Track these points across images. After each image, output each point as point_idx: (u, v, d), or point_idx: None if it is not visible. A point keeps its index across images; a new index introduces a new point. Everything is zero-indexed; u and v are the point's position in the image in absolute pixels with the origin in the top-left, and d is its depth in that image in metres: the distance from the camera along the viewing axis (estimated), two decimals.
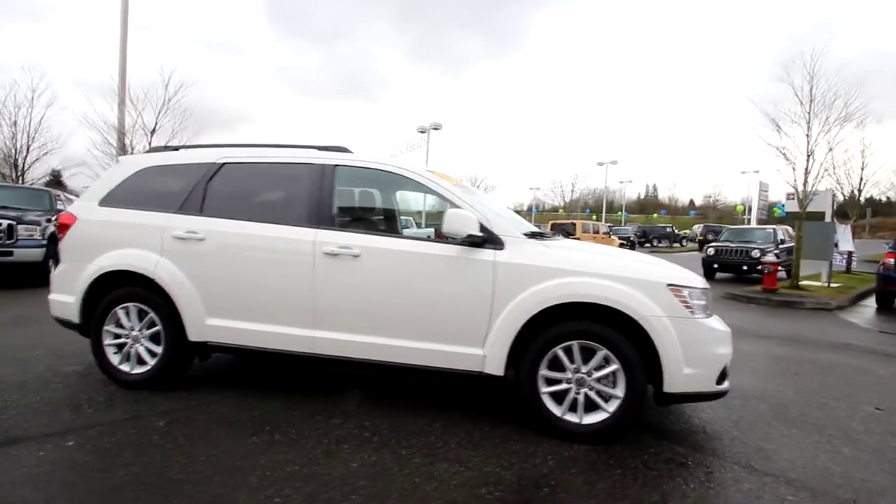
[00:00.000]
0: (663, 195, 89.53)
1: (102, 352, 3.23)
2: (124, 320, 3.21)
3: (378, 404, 3.09)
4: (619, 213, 59.80)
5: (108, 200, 3.35)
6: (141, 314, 3.19)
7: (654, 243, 34.18)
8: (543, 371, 2.69)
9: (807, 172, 8.64)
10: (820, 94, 8.53)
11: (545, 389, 2.69)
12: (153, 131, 13.25)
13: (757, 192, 20.08)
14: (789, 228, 13.33)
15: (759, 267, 10.05)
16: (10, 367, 3.54)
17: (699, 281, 2.80)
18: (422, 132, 25.01)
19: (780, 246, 12.07)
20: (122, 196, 3.34)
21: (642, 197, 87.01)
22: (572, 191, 64.06)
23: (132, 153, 11.55)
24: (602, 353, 2.62)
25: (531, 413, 2.72)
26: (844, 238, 11.80)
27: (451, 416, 2.93)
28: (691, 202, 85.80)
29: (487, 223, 2.79)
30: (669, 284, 2.63)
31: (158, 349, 3.16)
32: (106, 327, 3.22)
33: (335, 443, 2.55)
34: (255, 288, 3.02)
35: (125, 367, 3.21)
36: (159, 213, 3.21)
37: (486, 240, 2.75)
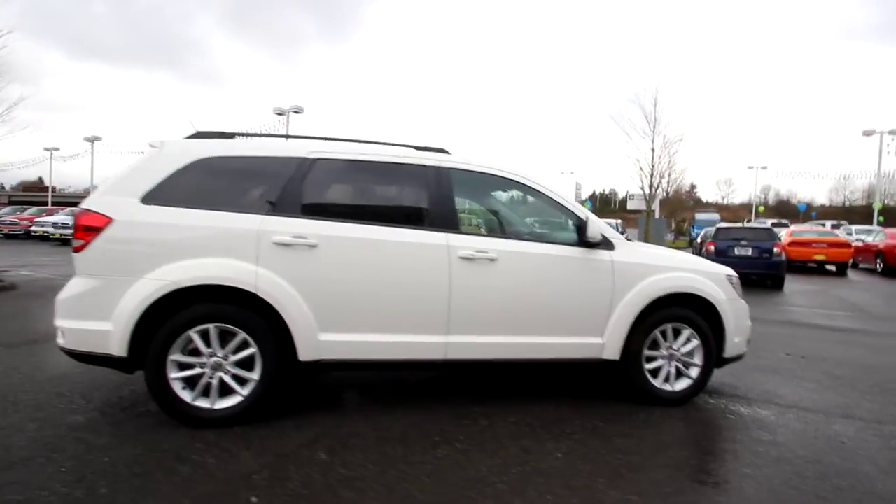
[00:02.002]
0: None
1: (167, 388, 2.60)
2: (201, 346, 2.63)
3: (483, 400, 3.22)
4: None
5: (156, 197, 2.66)
6: (223, 336, 2.66)
7: None
8: (646, 352, 3.23)
9: (651, 177, 11.14)
10: (661, 116, 11.00)
11: (649, 366, 3.24)
12: None
13: (574, 190, 24.52)
14: (620, 221, 16.70)
15: None
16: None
17: (734, 271, 3.68)
18: (279, 114, 22.86)
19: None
20: (176, 192, 2.69)
21: None
22: None
23: None
24: (687, 332, 3.28)
25: (636, 387, 3.24)
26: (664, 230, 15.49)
27: (563, 401, 3.26)
28: None
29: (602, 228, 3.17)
30: (727, 275, 3.43)
31: (252, 375, 2.69)
32: (171, 357, 2.59)
33: (511, 439, 2.67)
34: (381, 297, 2.82)
35: (203, 403, 2.65)
36: (247, 214, 2.70)
37: (603, 242, 3.14)
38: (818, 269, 13.75)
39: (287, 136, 3.07)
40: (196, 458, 2.33)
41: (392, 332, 2.85)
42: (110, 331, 2.55)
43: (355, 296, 2.79)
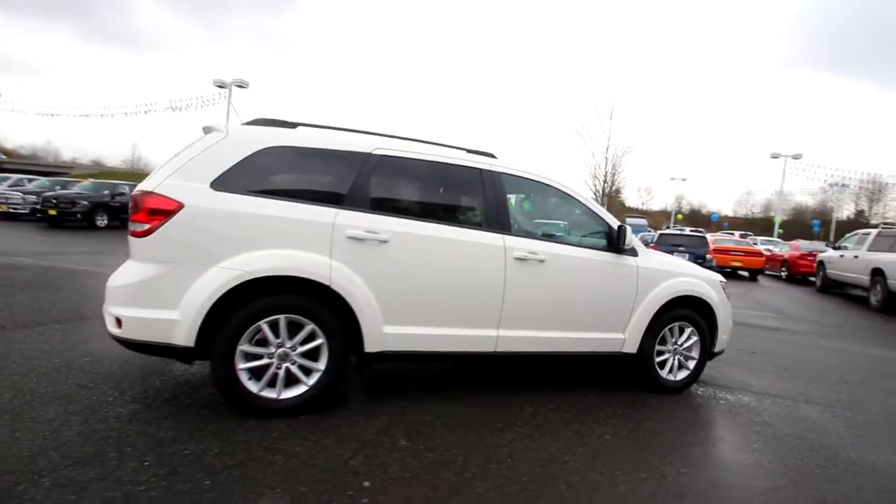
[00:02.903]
0: None
1: (235, 378, 2.56)
2: (270, 336, 2.62)
3: (518, 389, 3.47)
4: None
5: (225, 184, 2.59)
6: (291, 327, 2.66)
7: None
8: (658, 346, 3.65)
9: (605, 182, 11.99)
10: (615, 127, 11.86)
11: (658, 359, 3.67)
12: None
13: None
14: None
15: None
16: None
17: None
18: (220, 87, 21.26)
19: None
20: (244, 179, 2.64)
21: None
22: None
23: None
24: (689, 329, 3.75)
25: (648, 377, 3.65)
26: None
27: (587, 390, 3.58)
28: None
29: None
30: (720, 280, 3.95)
31: (318, 366, 2.72)
32: (240, 347, 2.56)
33: (562, 423, 2.94)
34: (442, 292, 2.96)
35: (269, 394, 2.64)
36: (320, 206, 2.71)
37: (630, 249, 3.50)
38: (732, 274, 15.57)
39: (352, 130, 3.08)
40: (282, 447, 2.34)
41: (450, 325, 3.00)
42: (177, 320, 2.46)
43: (419, 291, 2.90)
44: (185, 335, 2.47)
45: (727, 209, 68.37)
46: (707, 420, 3.35)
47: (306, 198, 2.74)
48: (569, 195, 3.51)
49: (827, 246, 14.55)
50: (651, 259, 3.64)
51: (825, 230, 36.48)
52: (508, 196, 3.70)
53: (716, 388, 4.00)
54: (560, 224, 3.77)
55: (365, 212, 2.81)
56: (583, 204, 3.54)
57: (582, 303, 3.36)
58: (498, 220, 3.14)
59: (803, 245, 16.06)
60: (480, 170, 3.20)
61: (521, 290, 3.13)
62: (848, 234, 12.23)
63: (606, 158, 11.41)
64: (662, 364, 3.70)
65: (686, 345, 3.76)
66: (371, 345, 2.80)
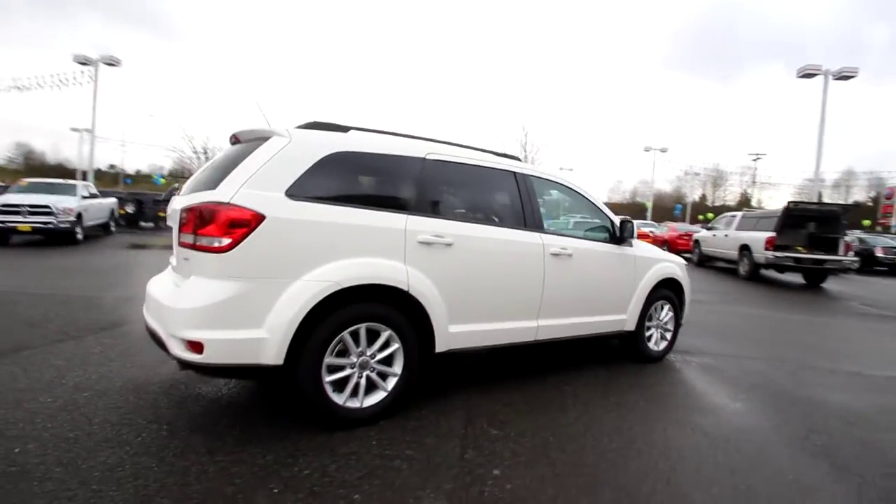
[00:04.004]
0: None
1: (323, 393, 2.51)
2: (351, 346, 2.60)
3: (538, 373, 3.80)
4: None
5: (298, 192, 2.50)
6: (369, 335, 2.67)
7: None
8: (647, 323, 4.24)
9: None
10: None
11: (647, 334, 4.26)
12: None
13: None
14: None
15: None
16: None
17: None
18: (83, 63, 18.01)
19: None
20: (314, 187, 2.56)
21: None
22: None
23: None
24: (667, 306, 4.41)
25: (639, 350, 4.22)
26: None
27: (593, 368, 4.04)
28: None
29: None
30: (684, 263, 4.67)
31: (394, 370, 2.76)
32: (326, 360, 2.51)
33: (601, 398, 3.33)
34: (497, 290, 3.15)
35: (353, 404, 2.63)
36: (392, 213, 2.73)
37: (628, 240, 4.01)
38: None
39: (399, 135, 3.09)
40: (394, 453, 2.38)
41: (501, 319, 3.21)
42: (265, 338, 2.33)
43: (478, 290, 3.06)
44: (274, 354, 2.35)
45: (603, 196, 76.62)
46: (696, 380, 3.99)
47: (373, 204, 2.74)
48: (580, 194, 3.90)
49: (701, 227, 17.23)
50: (642, 248, 4.20)
51: (683, 213, 42.82)
52: (549, 198, 3.99)
53: (682, 354, 4.74)
54: (577, 221, 4.15)
55: (428, 216, 2.88)
56: (591, 202, 3.95)
57: (599, 290, 3.79)
58: (534, 220, 3.41)
59: (679, 227, 18.80)
60: (514, 173, 3.43)
61: (555, 283, 3.45)
62: (717, 217, 14.67)
63: (525, 151, 12.28)
64: (649, 338, 4.31)
65: (665, 320, 4.41)
66: (440, 345, 2.90)
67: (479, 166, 3.28)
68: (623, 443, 2.66)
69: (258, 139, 2.66)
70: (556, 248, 3.43)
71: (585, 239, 3.79)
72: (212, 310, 2.27)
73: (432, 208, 2.95)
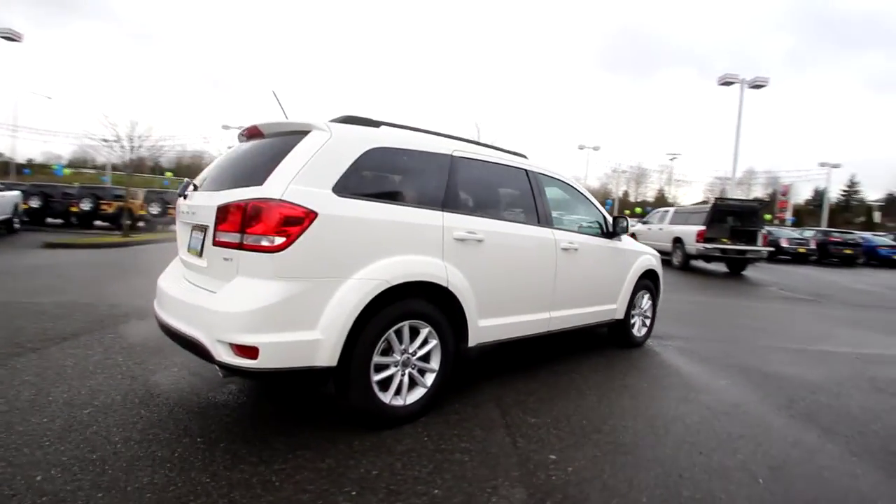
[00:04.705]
0: None
1: (371, 392, 2.49)
2: (395, 344, 2.59)
3: (540, 362, 3.98)
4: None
5: (344, 188, 2.44)
6: (411, 332, 2.67)
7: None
8: (633, 311, 4.57)
9: None
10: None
11: (632, 321, 4.59)
12: None
13: None
14: None
15: None
16: None
17: None
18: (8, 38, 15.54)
19: None
20: (356, 183, 2.52)
21: None
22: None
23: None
24: (647, 294, 4.77)
25: (626, 337, 4.53)
26: None
27: (590, 356, 4.29)
28: None
29: None
30: (658, 254, 5.07)
31: (432, 366, 2.78)
32: (375, 359, 2.49)
33: (609, 381, 3.55)
34: (519, 284, 3.25)
35: (398, 402, 2.62)
36: (430, 210, 2.73)
37: (618, 235, 4.29)
38: None
39: (425, 131, 3.08)
40: (450, 447, 2.41)
41: (520, 312, 3.32)
42: (320, 339, 2.26)
43: (504, 285, 3.15)
44: (328, 355, 2.29)
45: None
46: (678, 361, 4.37)
47: (411, 200, 2.73)
48: (578, 191, 4.10)
49: (638, 222, 18.49)
50: (627, 241, 4.51)
51: (613, 208, 45.75)
52: (554, 194, 4.12)
53: (657, 339, 5.15)
54: (577, 216, 4.31)
55: (460, 213, 2.92)
56: (587, 198, 4.17)
57: (598, 282, 4.03)
58: (545, 216, 3.55)
59: None
60: (526, 170, 3.54)
61: (564, 275, 3.62)
62: (651, 212, 15.86)
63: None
64: (633, 325, 4.64)
65: (645, 308, 4.78)
66: (472, 339, 2.96)
67: (496, 163, 3.36)
68: (646, 421, 2.89)
69: (290, 133, 2.55)
70: (565, 242, 3.60)
71: (585, 234, 4.00)
72: (267, 312, 2.16)
73: (462, 205, 2.99)
